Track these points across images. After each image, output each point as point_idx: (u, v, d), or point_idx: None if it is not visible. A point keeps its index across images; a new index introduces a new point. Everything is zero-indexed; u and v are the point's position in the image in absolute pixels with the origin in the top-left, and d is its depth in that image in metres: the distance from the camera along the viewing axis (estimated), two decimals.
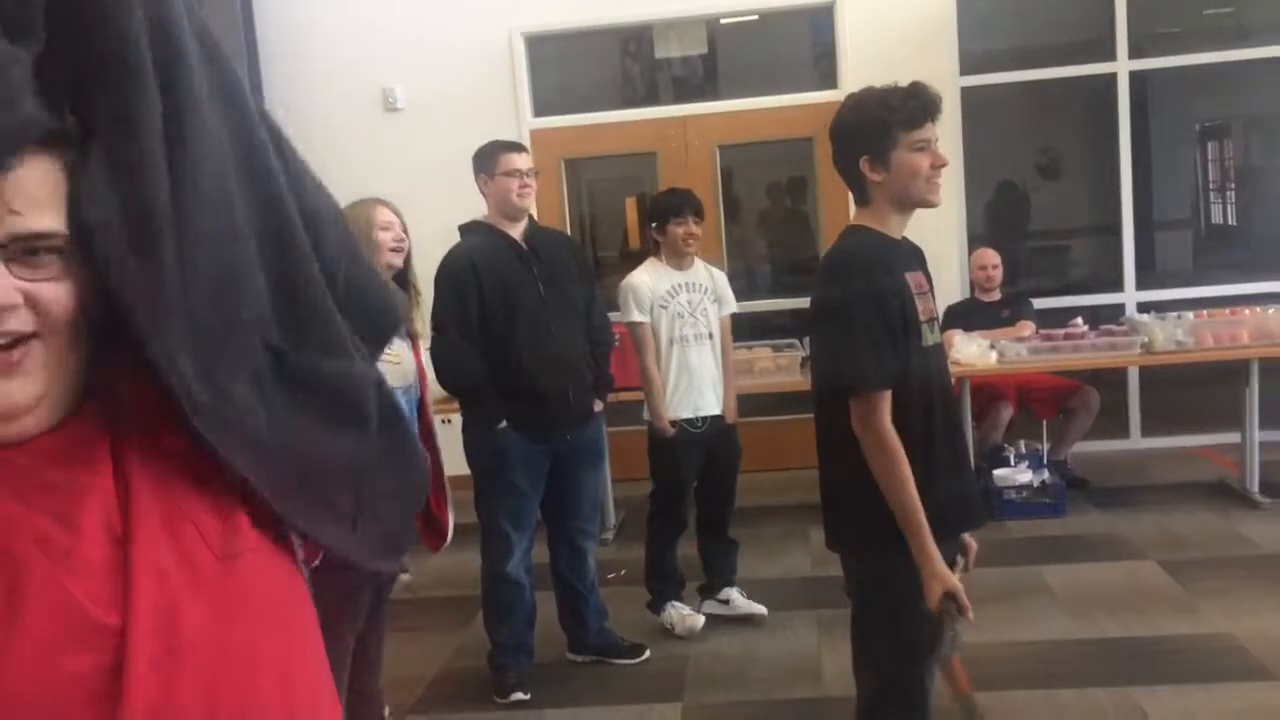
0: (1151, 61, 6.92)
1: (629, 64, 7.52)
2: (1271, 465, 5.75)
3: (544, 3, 6.82)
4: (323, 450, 0.91)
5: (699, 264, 4.47)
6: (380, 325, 1.02)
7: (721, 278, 4.54)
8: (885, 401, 2.27)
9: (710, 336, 4.41)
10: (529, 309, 3.83)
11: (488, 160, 3.88)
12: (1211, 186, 10.07)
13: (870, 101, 2.35)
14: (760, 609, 4.55)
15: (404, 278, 3.24)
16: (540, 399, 3.85)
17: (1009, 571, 4.81)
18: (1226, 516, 5.44)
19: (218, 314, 0.83)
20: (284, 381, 0.87)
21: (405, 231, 3.22)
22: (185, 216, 0.81)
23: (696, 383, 4.36)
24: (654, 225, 4.42)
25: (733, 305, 4.56)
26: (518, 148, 3.97)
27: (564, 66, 7.23)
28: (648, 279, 4.38)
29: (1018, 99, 7.66)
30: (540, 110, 7.03)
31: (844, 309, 2.29)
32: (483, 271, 3.79)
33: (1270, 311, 5.69)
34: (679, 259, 4.39)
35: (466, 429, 3.93)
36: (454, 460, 3.91)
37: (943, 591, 2.26)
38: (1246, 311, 5.72)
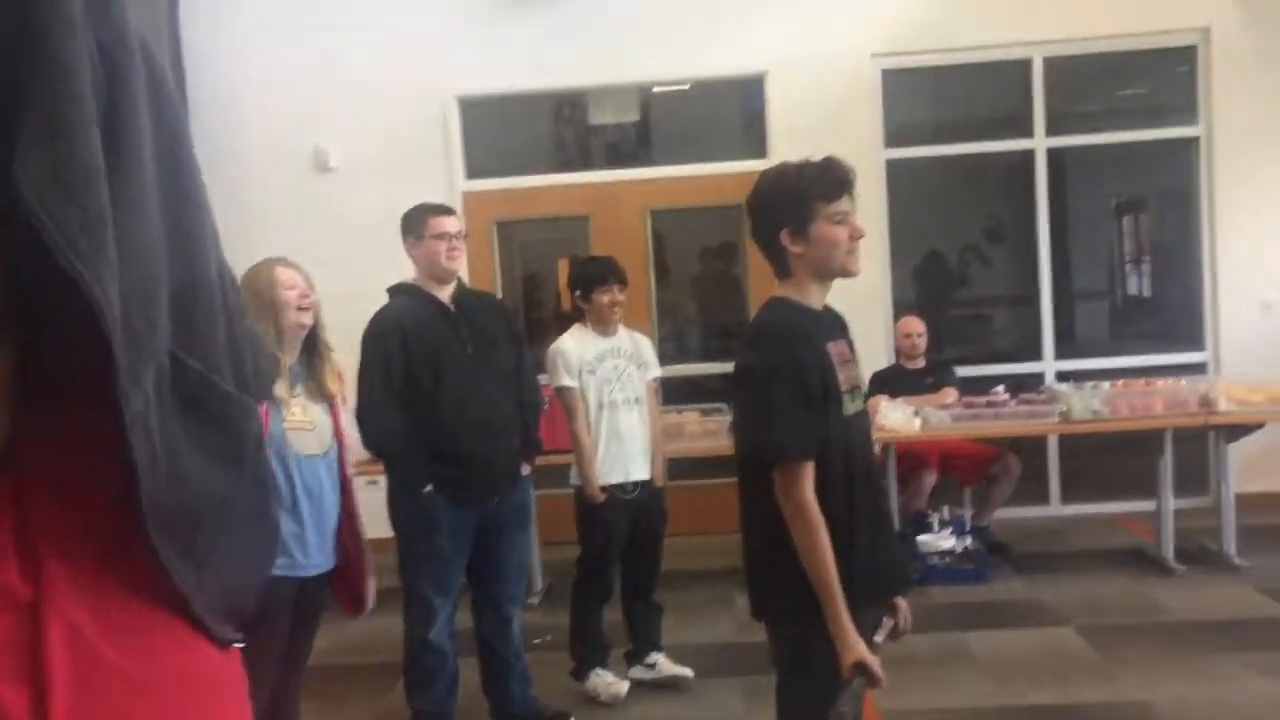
0: (1068, 139, 7.17)
1: (563, 129, 7.61)
2: (1185, 533, 5.88)
3: (479, 67, 6.88)
4: (198, 478, 0.88)
5: (623, 330, 4.50)
6: (257, 386, 1.01)
7: (645, 343, 4.58)
8: (807, 471, 2.29)
9: (637, 401, 4.43)
10: (456, 371, 3.82)
11: (416, 223, 3.89)
12: (1127, 259, 10.39)
13: (788, 175, 2.40)
14: (687, 672, 4.52)
15: (314, 337, 3.20)
16: (467, 462, 3.82)
17: (933, 638, 4.85)
18: (1142, 583, 5.55)
19: (145, 319, 0.82)
20: (178, 395, 0.86)
21: (311, 289, 3.19)
22: (121, 216, 0.80)
23: (626, 447, 4.37)
24: (578, 293, 4.45)
25: (657, 370, 4.59)
26: (446, 210, 3.98)
27: (498, 130, 7.28)
28: (575, 345, 4.40)
29: (942, 172, 7.87)
30: (473, 173, 7.06)
31: (765, 380, 2.33)
32: (410, 333, 3.78)
33: (1183, 382, 5.86)
34: (604, 325, 4.42)
35: (392, 492, 3.89)
36: (379, 523, 3.88)
37: (854, 661, 2.27)
38: (1160, 382, 5.89)
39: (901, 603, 2.58)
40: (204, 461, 0.89)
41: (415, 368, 3.77)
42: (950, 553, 5.67)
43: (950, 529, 5.76)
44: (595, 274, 4.43)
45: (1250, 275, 6.81)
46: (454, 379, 3.81)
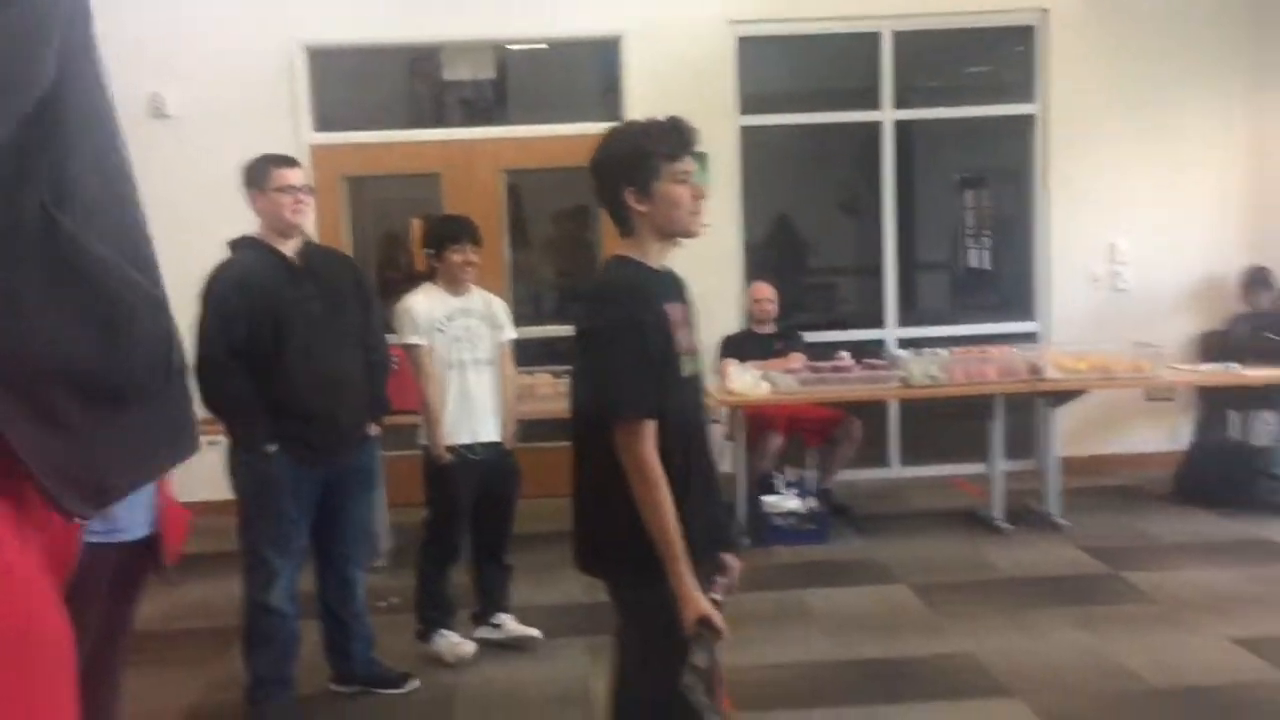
0: (914, 112, 7.38)
1: (417, 84, 7.45)
2: (1013, 494, 6.17)
3: (329, 15, 6.68)
4: (49, 332, 0.85)
5: (476, 290, 4.46)
6: (149, 278, 0.99)
7: (499, 304, 4.54)
8: (649, 430, 2.31)
9: (489, 362, 4.40)
10: (300, 329, 3.72)
11: (258, 175, 3.76)
12: (969, 232, 10.76)
13: (633, 132, 2.43)
14: (534, 632, 4.54)
15: None
16: (311, 421, 3.74)
17: (774, 595, 4.98)
18: (973, 542, 5.81)
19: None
20: (44, 250, 0.82)
21: None
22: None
23: (475, 408, 4.34)
24: (431, 251, 4.38)
25: (510, 332, 4.56)
26: (290, 162, 3.86)
27: (349, 83, 7.09)
28: (424, 302, 4.34)
29: (795, 140, 8.01)
30: (322, 126, 6.86)
31: (607, 338, 2.34)
32: (252, 289, 3.66)
33: (1015, 350, 6.13)
34: (456, 285, 4.37)
35: (233, 452, 3.78)
36: (218, 484, 3.77)
37: (696, 616, 2.31)
38: (994, 350, 6.14)
39: (733, 560, 2.63)
40: (61, 320, 0.86)
41: (256, 323, 3.66)
42: (794, 514, 5.82)
43: (795, 490, 5.91)
44: (449, 232, 4.37)
45: (1079, 249, 7.14)
46: (297, 335, 3.71)
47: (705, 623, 2.32)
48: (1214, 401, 6.68)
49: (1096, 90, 7.04)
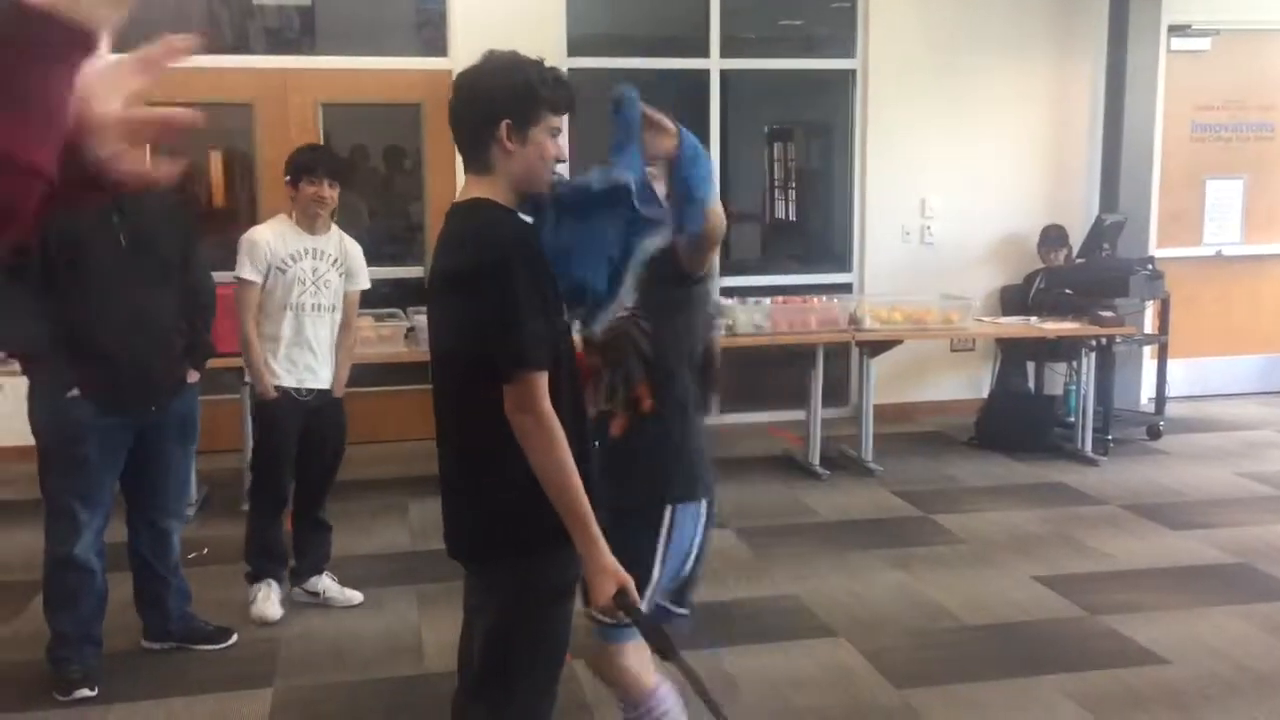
0: (742, 62, 7.43)
1: (218, 7, 7.00)
2: (829, 441, 6.36)
3: None
4: None
5: (335, 232, 4.21)
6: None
7: (356, 251, 4.27)
8: (544, 382, 2.10)
9: (332, 309, 4.16)
10: (104, 266, 3.45)
11: None
12: (777, 184, 10.96)
13: (524, 68, 2.20)
14: (355, 597, 4.35)
15: None
16: (117, 366, 3.48)
17: None
18: (793, 487, 5.97)
19: None
20: None
21: None
22: None
23: (307, 354, 4.11)
24: (288, 179, 4.12)
25: (364, 281, 4.31)
26: None
27: (143, 1, 6.59)
28: (270, 237, 4.07)
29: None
30: (120, 46, 6.35)
31: (498, 283, 2.09)
32: (47, 223, 3.35)
33: (835, 301, 6.29)
34: (310, 221, 4.11)
35: (31, 395, 3.49)
36: (20, 429, 3.48)
37: (620, 585, 2.12)
38: (815, 300, 6.28)
39: None
40: None
41: (53, 258, 3.37)
42: None
43: None
44: (305, 162, 4.10)
45: (894, 203, 7.37)
46: (101, 275, 3.44)
47: (625, 594, 2.13)
48: (1012, 352, 7.04)
49: (912, 50, 7.24)
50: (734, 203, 9.54)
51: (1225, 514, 5.44)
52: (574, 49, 6.89)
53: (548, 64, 2.25)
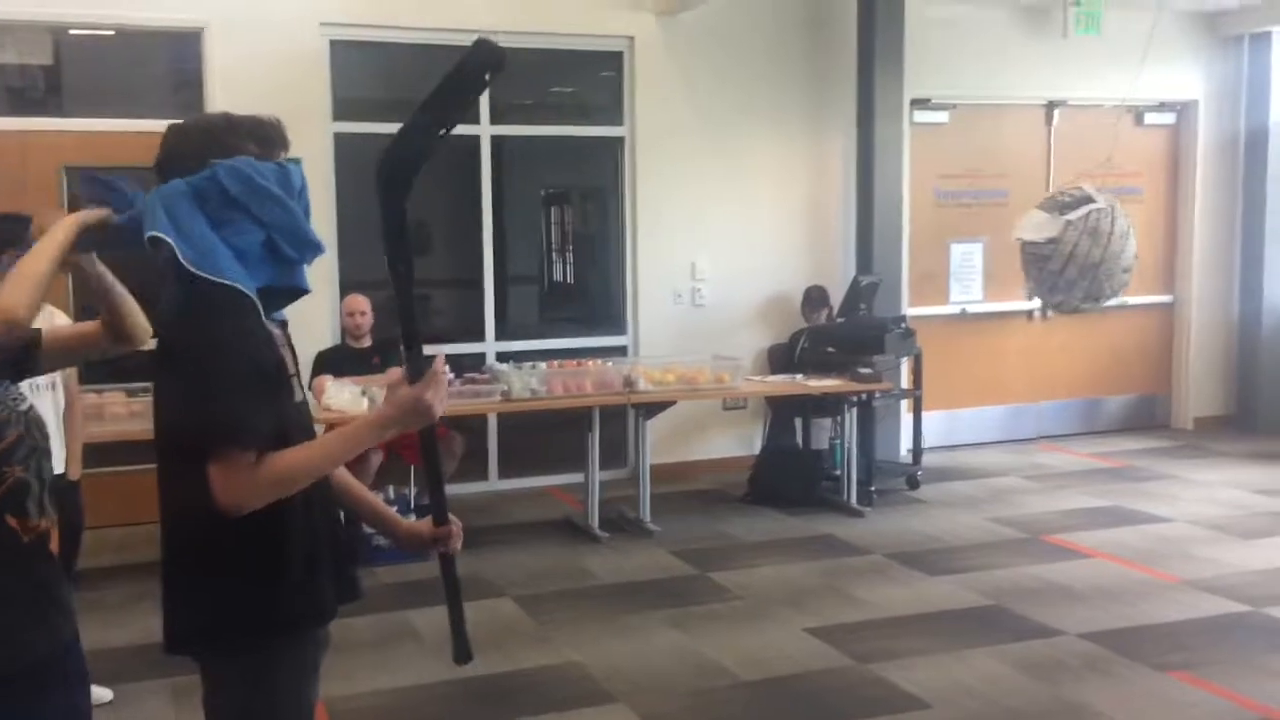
0: (512, 129, 7.50)
1: None
2: (608, 503, 6.39)
3: None
4: None
5: (46, 308, 3.94)
6: None
7: (62, 319, 4.01)
8: (250, 461, 1.89)
9: (49, 386, 3.89)
10: None
11: None
12: (554, 248, 11.07)
13: (216, 124, 2.03)
14: (105, 695, 4.05)
15: None
16: None
17: (379, 619, 4.83)
18: (573, 551, 5.95)
19: None
20: None
21: None
22: None
23: None
24: None
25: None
26: None
27: None
28: None
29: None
30: None
31: (213, 354, 1.90)
32: None
33: (609, 364, 6.36)
34: None
35: None
36: None
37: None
38: (590, 363, 6.34)
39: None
40: None
41: None
42: None
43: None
44: (4, 233, 3.83)
45: (666, 267, 7.54)
46: None
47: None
48: (781, 410, 7.28)
49: (680, 119, 7.46)
50: (513, 267, 9.60)
51: (978, 558, 5.75)
52: (340, 113, 6.78)
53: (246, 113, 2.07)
